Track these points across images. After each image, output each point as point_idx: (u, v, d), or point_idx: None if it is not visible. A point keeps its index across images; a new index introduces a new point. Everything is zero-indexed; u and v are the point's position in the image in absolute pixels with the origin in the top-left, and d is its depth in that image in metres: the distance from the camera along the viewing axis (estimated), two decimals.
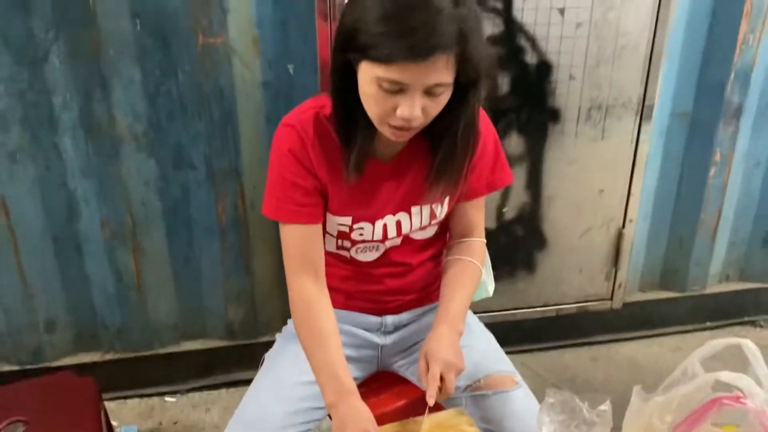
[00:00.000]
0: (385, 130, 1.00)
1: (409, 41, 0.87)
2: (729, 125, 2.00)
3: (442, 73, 0.91)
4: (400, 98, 0.93)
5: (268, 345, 1.98)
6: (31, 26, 1.53)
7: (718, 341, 0.90)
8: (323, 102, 1.09)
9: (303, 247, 1.10)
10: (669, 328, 2.34)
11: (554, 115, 1.86)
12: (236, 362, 2.00)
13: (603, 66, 1.83)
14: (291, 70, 1.69)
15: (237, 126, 1.71)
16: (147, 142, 1.69)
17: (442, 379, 1.06)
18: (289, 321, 1.35)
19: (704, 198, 2.10)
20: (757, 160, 2.13)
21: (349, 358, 1.22)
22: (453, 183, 1.10)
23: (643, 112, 1.91)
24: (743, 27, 1.87)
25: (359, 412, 0.99)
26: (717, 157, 2.04)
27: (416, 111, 0.93)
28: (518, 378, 1.19)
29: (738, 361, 0.88)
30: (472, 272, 1.19)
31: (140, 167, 1.71)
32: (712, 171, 2.06)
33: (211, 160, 1.73)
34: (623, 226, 2.07)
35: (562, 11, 1.73)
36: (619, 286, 2.16)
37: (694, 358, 0.92)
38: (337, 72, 1.00)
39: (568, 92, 1.84)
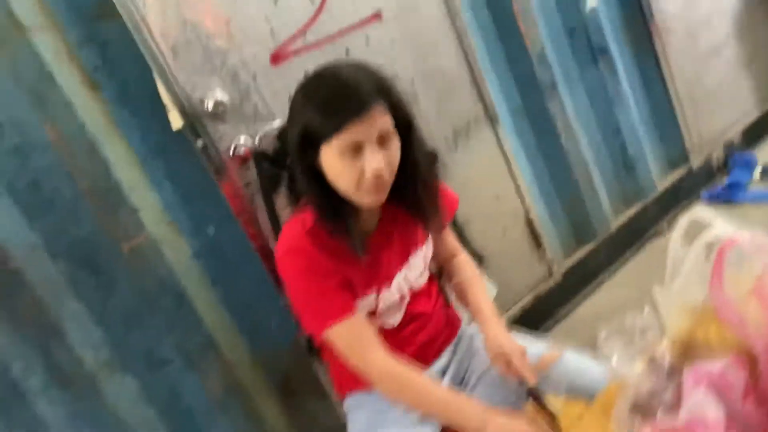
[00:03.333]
0: (362, 197, 1.16)
1: (348, 106, 1.09)
2: (553, 99, 2.39)
3: (383, 120, 1.12)
4: (362, 159, 1.11)
5: None
6: None
7: (680, 222, 1.13)
8: (301, 219, 1.23)
9: (356, 335, 1.21)
10: (603, 274, 2.64)
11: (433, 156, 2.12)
12: None
13: (446, 101, 2.13)
14: (212, 231, 1.79)
15: (191, 303, 1.76)
16: (117, 363, 1.68)
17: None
18: (350, 428, 1.42)
19: (569, 161, 2.45)
20: (586, 114, 2.55)
21: (420, 419, 1.33)
22: (435, 210, 1.28)
23: (492, 121, 2.24)
24: (522, 29, 2.29)
25: (512, 421, 1.11)
26: (560, 127, 2.41)
27: (380, 162, 1.12)
28: (559, 347, 1.37)
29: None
30: (479, 278, 1.40)
31: (122, 389, 1.69)
32: (563, 138, 2.42)
33: (182, 346, 1.76)
34: (527, 213, 2.36)
35: None
36: (552, 260, 2.43)
37: (675, 245, 1.14)
38: (306, 176, 1.17)
39: (431, 132, 2.11)
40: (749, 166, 2.95)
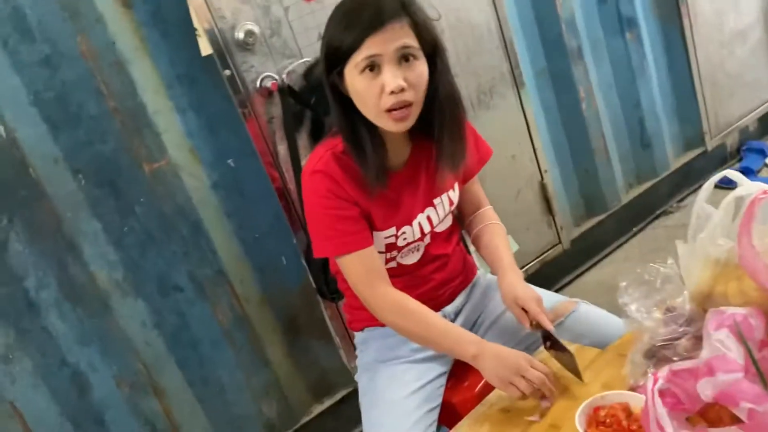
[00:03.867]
0: (386, 121, 1.15)
1: (365, 21, 1.09)
2: (578, 65, 2.38)
3: (403, 37, 1.11)
4: (382, 76, 1.11)
5: (311, 425, 2.03)
6: None
7: (708, 183, 1.13)
8: (332, 144, 1.23)
9: (367, 266, 1.22)
10: (609, 247, 2.66)
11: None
12: None
13: (473, 57, 2.13)
14: (232, 164, 1.79)
15: (207, 232, 1.77)
16: (129, 285, 1.70)
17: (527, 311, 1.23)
18: (359, 359, 1.44)
19: (587, 130, 2.46)
20: (609, 84, 2.54)
21: (428, 359, 1.35)
22: (460, 154, 1.26)
23: (517, 81, 2.23)
24: None
25: (502, 351, 1.14)
26: (581, 94, 2.41)
27: (399, 79, 1.11)
28: (575, 299, 1.38)
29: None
30: (502, 230, 1.40)
31: (132, 311, 1.71)
32: (584, 105, 2.42)
33: (194, 274, 1.77)
34: (542, 177, 2.37)
35: None
36: (561, 228, 2.45)
37: (701, 203, 1.15)
38: (334, 101, 1.18)
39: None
40: (762, 154, 2.96)
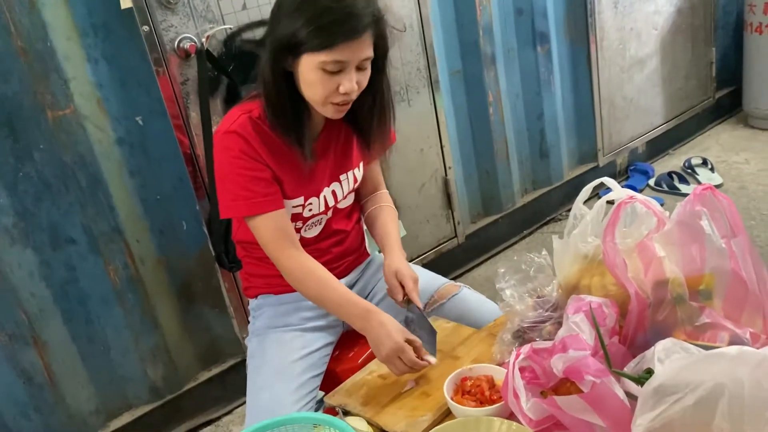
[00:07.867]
0: (327, 110, 1.22)
1: (346, 26, 1.12)
2: (490, 71, 2.51)
3: (369, 48, 1.17)
4: (340, 77, 1.16)
5: (196, 391, 2.04)
6: None
7: (587, 187, 1.26)
8: (248, 108, 1.26)
9: (279, 228, 1.26)
10: (501, 245, 2.82)
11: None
12: (169, 420, 2.00)
13: (392, 49, 2.19)
14: (140, 122, 1.77)
15: (107, 187, 1.74)
16: (19, 233, 1.65)
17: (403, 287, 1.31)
18: (251, 324, 1.48)
19: (492, 133, 2.59)
20: (516, 92, 2.69)
21: (317, 328, 1.41)
22: (385, 137, 1.34)
23: (432, 79, 2.33)
24: None
25: (386, 326, 1.19)
26: (490, 98, 2.54)
27: (354, 84, 1.17)
28: (458, 283, 1.48)
29: None
30: (394, 213, 1.48)
31: (20, 260, 1.66)
32: (491, 110, 2.55)
33: (89, 228, 1.74)
34: (446, 173, 2.48)
35: None
36: (458, 223, 2.57)
37: (579, 203, 1.27)
38: (276, 80, 1.20)
39: None
40: (646, 174, 3.22)
